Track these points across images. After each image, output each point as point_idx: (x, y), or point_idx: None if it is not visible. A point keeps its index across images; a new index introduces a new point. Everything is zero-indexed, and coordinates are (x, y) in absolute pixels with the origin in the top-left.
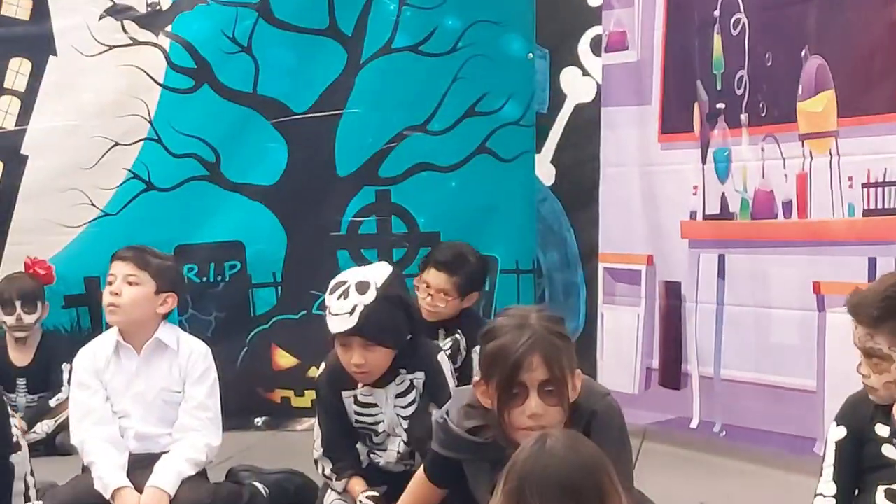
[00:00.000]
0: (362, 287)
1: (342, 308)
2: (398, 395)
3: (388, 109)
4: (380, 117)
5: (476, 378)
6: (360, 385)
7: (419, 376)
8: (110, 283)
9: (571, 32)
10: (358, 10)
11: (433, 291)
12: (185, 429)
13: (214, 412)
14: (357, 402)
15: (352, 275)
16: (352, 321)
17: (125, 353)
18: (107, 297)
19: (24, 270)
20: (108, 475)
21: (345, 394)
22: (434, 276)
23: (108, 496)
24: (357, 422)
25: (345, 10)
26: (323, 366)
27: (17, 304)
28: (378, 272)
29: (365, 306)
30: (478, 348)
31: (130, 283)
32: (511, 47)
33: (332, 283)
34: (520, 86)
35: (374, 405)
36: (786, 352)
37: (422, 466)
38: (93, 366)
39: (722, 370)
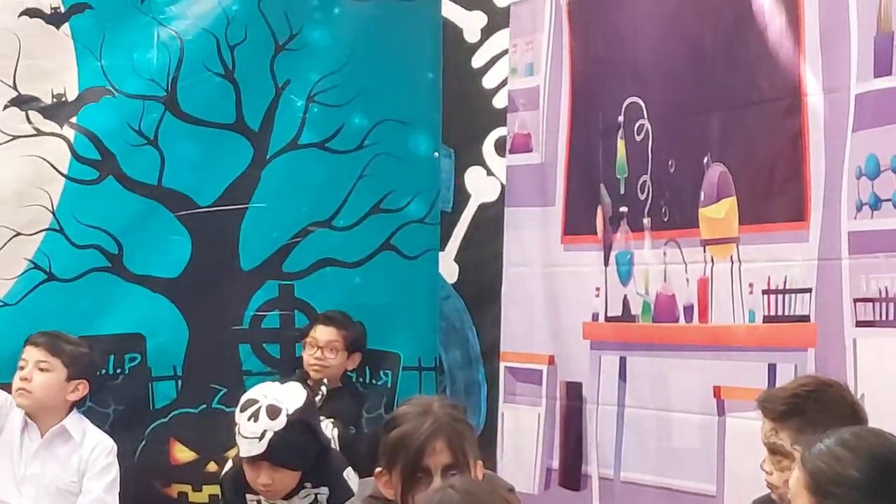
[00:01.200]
0: (273, 412)
1: (252, 432)
2: None
3: (294, 204)
4: (285, 212)
5: (378, 469)
6: None
7: (323, 491)
8: (21, 368)
9: (476, 133)
10: (265, 105)
11: (322, 345)
12: None
13: None
14: None
15: (264, 395)
16: (261, 447)
17: (30, 431)
18: (16, 382)
19: None
20: None
21: (249, 497)
22: (322, 331)
23: None
24: None
25: (252, 105)
26: (230, 464)
27: None
28: (291, 398)
29: (275, 433)
30: (331, 428)
31: (42, 370)
32: (417, 146)
33: (244, 399)
34: (425, 184)
35: None
36: (686, 455)
37: None
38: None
39: (622, 472)
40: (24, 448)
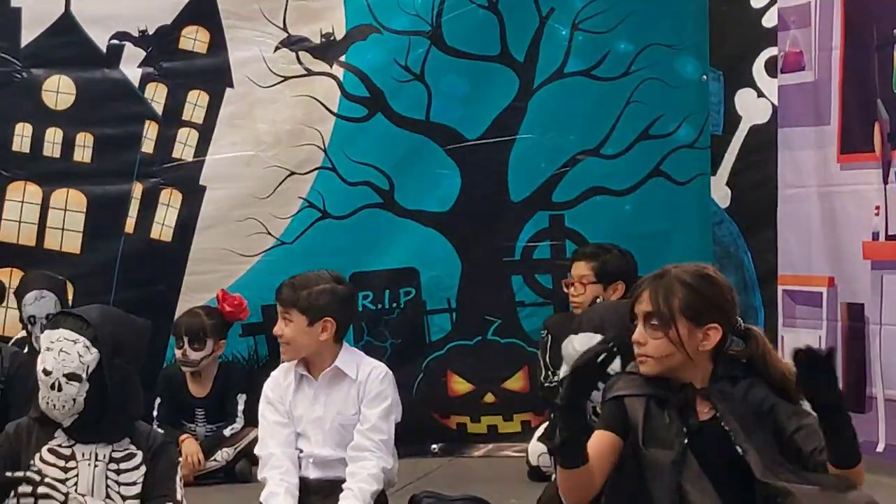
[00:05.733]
0: None
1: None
2: None
3: (561, 134)
4: (553, 142)
5: None
6: None
7: None
8: (277, 321)
9: (746, 54)
10: (530, 35)
11: (575, 280)
12: (359, 449)
13: (388, 435)
14: None
15: None
16: None
17: (306, 380)
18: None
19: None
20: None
21: None
22: (575, 267)
23: None
24: None
25: (516, 36)
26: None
27: (185, 339)
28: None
29: None
30: None
31: (286, 320)
32: (685, 70)
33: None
34: (694, 108)
35: None
36: None
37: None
38: (279, 389)
39: None
40: (305, 396)
